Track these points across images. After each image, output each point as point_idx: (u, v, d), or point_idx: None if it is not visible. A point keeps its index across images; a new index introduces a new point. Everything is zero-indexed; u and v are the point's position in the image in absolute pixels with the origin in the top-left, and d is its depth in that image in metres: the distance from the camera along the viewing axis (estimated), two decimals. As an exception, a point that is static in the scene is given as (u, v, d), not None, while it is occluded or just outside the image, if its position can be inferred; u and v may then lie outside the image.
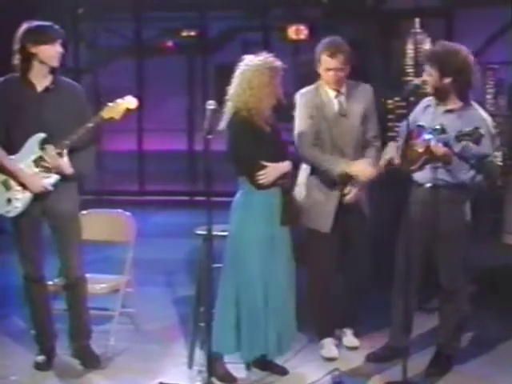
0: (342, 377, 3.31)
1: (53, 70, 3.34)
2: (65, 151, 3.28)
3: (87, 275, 3.51)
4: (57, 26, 3.35)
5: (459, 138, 3.14)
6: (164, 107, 8.57)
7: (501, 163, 3.38)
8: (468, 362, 3.51)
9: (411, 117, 3.36)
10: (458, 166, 3.24)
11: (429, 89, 3.34)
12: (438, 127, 3.23)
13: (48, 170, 3.31)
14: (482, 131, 3.10)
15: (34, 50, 3.27)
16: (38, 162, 3.30)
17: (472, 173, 3.26)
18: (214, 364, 3.19)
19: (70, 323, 3.49)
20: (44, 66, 3.31)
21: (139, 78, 8.43)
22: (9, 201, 3.31)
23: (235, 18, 8.53)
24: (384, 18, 6.96)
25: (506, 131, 5.56)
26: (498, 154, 4.69)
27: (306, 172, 3.62)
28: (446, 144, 3.20)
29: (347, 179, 3.49)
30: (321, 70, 3.53)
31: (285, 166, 3.25)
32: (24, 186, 3.31)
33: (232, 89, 3.23)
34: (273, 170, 3.21)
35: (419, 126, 3.32)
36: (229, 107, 3.24)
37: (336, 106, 3.57)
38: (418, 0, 6.66)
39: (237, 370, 3.39)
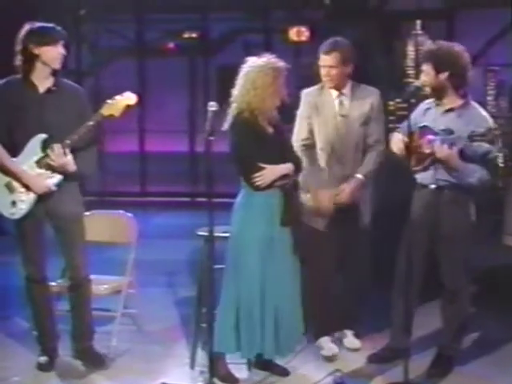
0: (343, 378, 3.31)
1: (54, 72, 3.34)
2: (67, 151, 3.29)
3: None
4: (59, 28, 3.36)
5: (473, 138, 3.15)
6: (166, 109, 8.58)
7: (502, 165, 3.40)
8: (469, 363, 3.52)
9: (411, 119, 3.36)
10: (466, 171, 3.25)
11: (427, 89, 3.34)
12: (444, 128, 3.25)
13: (51, 170, 3.32)
14: (496, 132, 3.14)
15: (36, 51, 3.27)
16: (40, 162, 3.31)
17: (479, 174, 3.26)
18: (215, 364, 3.20)
19: (73, 324, 3.49)
20: (46, 67, 3.31)
21: (141, 80, 8.44)
22: (13, 203, 3.32)
23: (236, 20, 8.54)
24: (385, 20, 6.97)
25: (507, 132, 5.57)
26: (500, 155, 4.70)
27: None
28: (452, 145, 3.20)
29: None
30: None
31: (284, 167, 3.25)
32: (28, 188, 3.31)
33: (236, 90, 3.24)
34: (270, 172, 3.21)
35: (423, 126, 3.32)
36: (232, 108, 3.25)
37: (336, 106, 3.59)
38: (419, 2, 6.66)
39: (238, 370, 3.40)
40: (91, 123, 3.29)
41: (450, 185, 3.31)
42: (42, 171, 3.31)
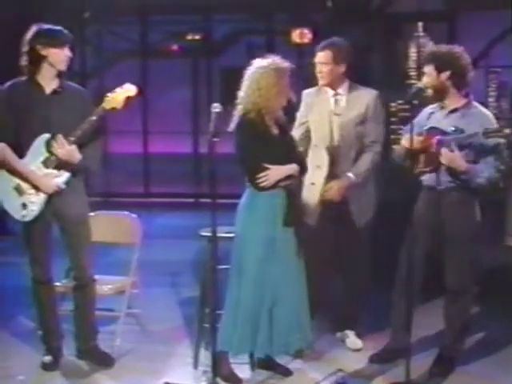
0: (345, 378, 3.32)
1: (60, 74, 3.37)
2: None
3: (93, 277, 3.53)
4: (66, 31, 3.38)
5: (488, 134, 3.18)
6: (169, 110, 8.61)
7: (503, 166, 3.42)
8: (471, 363, 3.53)
9: (415, 123, 3.37)
10: (473, 171, 3.27)
11: (429, 91, 3.36)
12: (454, 128, 3.27)
13: (58, 168, 3.33)
14: (508, 131, 3.18)
15: (44, 52, 3.30)
16: (46, 162, 3.33)
17: (487, 174, 3.27)
18: (219, 364, 3.22)
19: (78, 324, 3.51)
20: (52, 68, 3.34)
21: (145, 81, 8.46)
22: (24, 205, 3.32)
23: (240, 22, 8.56)
24: (387, 22, 6.99)
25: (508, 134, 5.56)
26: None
27: None
28: (461, 145, 3.23)
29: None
30: None
31: (289, 168, 3.26)
32: (37, 189, 3.33)
33: (241, 91, 3.27)
34: (274, 173, 3.22)
35: (431, 128, 3.34)
36: (238, 109, 3.28)
37: (332, 105, 3.62)
38: (421, 4, 6.67)
39: (241, 370, 3.41)
40: (94, 118, 3.30)
41: (456, 186, 3.33)
42: (50, 171, 3.33)
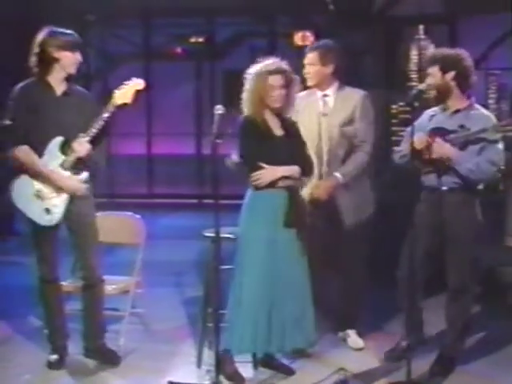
0: (347, 377, 3.33)
1: (69, 77, 3.40)
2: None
3: (99, 277, 3.55)
4: (77, 35, 3.42)
5: (497, 128, 3.25)
6: (173, 112, 8.65)
7: (503, 167, 3.44)
8: (471, 362, 3.54)
9: (416, 125, 3.39)
10: (461, 157, 3.31)
11: (432, 92, 3.40)
12: (459, 126, 3.32)
13: (75, 170, 3.36)
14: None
15: (56, 55, 3.33)
16: (63, 165, 3.36)
17: (476, 160, 3.31)
18: (223, 362, 3.25)
19: (86, 324, 3.53)
20: (63, 71, 3.37)
21: (148, 83, 8.50)
22: (47, 210, 3.34)
23: (242, 25, 8.60)
24: (389, 25, 7.03)
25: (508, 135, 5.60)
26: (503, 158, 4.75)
27: None
28: (468, 142, 3.29)
29: None
30: None
31: (285, 169, 3.27)
32: (59, 190, 3.33)
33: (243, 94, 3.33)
34: (269, 172, 3.24)
35: (438, 128, 3.37)
36: (241, 111, 3.33)
37: (320, 106, 3.67)
38: (422, 7, 6.70)
39: (244, 368, 3.43)
40: (106, 115, 3.35)
41: (458, 186, 3.37)
42: (68, 173, 3.37)
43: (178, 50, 8.86)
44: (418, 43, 6.88)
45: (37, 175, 3.35)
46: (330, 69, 3.64)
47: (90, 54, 8.37)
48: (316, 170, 3.58)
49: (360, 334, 3.82)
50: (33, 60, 3.37)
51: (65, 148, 3.36)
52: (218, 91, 8.39)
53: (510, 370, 3.49)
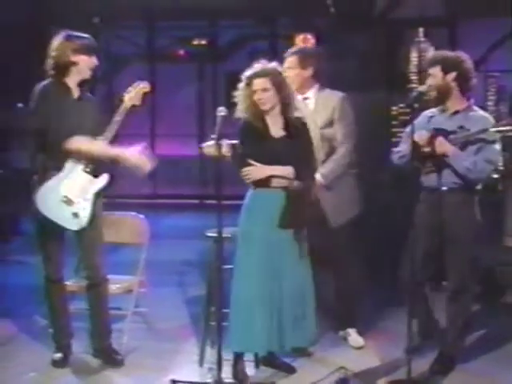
0: (347, 375, 3.34)
1: (82, 82, 3.45)
2: None
3: (102, 276, 3.58)
4: (92, 38, 3.46)
5: (496, 128, 3.28)
6: (176, 113, 8.69)
7: (502, 167, 3.46)
8: (472, 361, 3.56)
9: (414, 126, 3.41)
10: (459, 155, 3.34)
11: (433, 93, 3.42)
12: (458, 127, 3.35)
13: (96, 173, 3.42)
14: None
15: (74, 58, 3.36)
16: (87, 168, 3.41)
17: (473, 158, 3.34)
18: (235, 361, 3.32)
19: (92, 323, 3.55)
20: (79, 75, 3.41)
21: (152, 85, 8.54)
22: (75, 215, 3.38)
23: (244, 27, 8.64)
24: (390, 28, 7.06)
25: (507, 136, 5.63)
26: (500, 158, 4.79)
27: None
28: (468, 142, 3.31)
29: None
30: None
31: (275, 168, 3.26)
32: (84, 191, 3.36)
33: None
34: (257, 170, 3.25)
35: (437, 129, 3.39)
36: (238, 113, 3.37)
37: (302, 110, 3.67)
38: (422, 10, 6.73)
39: (246, 367, 3.43)
40: (119, 118, 3.40)
41: (457, 187, 3.40)
42: (90, 177, 3.42)
43: (181, 52, 8.90)
44: (417, 46, 6.90)
45: (107, 157, 3.37)
46: (309, 72, 3.68)
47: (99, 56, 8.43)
48: None
49: (360, 333, 3.84)
50: (49, 63, 3.39)
51: None
52: (221, 93, 8.42)
53: (510, 368, 3.51)
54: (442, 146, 3.34)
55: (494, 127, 3.31)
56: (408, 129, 3.60)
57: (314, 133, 3.63)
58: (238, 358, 3.38)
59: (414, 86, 6.44)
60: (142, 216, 3.93)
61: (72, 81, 3.42)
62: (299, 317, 3.31)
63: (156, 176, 8.83)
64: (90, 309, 3.55)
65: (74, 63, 3.38)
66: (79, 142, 3.35)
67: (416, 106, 3.38)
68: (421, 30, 6.97)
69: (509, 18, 6.43)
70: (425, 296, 3.52)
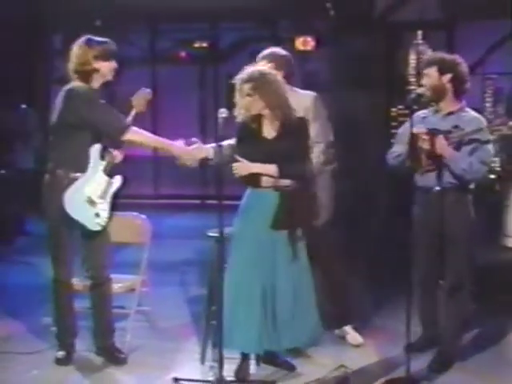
0: (347, 373, 3.36)
1: (105, 84, 3.51)
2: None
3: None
4: (112, 42, 3.50)
5: (491, 128, 3.36)
6: (177, 115, 8.73)
7: (499, 168, 3.50)
8: (469, 359, 3.58)
9: (407, 127, 3.44)
10: (456, 156, 3.37)
11: (427, 92, 3.45)
12: (452, 127, 3.38)
13: (111, 174, 3.49)
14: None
15: (96, 65, 3.42)
16: (105, 170, 3.49)
17: (469, 160, 3.38)
18: (242, 363, 3.36)
19: (95, 322, 3.58)
20: (101, 79, 3.48)
21: (153, 87, 8.57)
22: (97, 215, 3.44)
23: (246, 30, 8.68)
24: (389, 30, 7.11)
25: (504, 137, 5.68)
26: (496, 159, 4.83)
27: None
28: (462, 142, 3.35)
29: None
30: None
31: (260, 166, 3.26)
32: (105, 192, 3.46)
33: None
34: (243, 166, 3.27)
35: (432, 129, 3.41)
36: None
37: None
38: (420, 13, 6.77)
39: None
40: (130, 122, 3.49)
41: (451, 186, 3.43)
42: (108, 178, 3.49)
43: (183, 54, 8.94)
44: (416, 48, 6.94)
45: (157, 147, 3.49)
46: (280, 74, 3.66)
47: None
48: None
49: (359, 332, 3.84)
50: (71, 68, 3.43)
51: (103, 154, 3.47)
52: (222, 95, 8.45)
53: (508, 366, 3.54)
54: (442, 146, 3.38)
55: (490, 126, 3.35)
56: (401, 130, 3.66)
57: None
58: (246, 357, 3.40)
59: (412, 87, 6.49)
60: (143, 216, 3.96)
61: (96, 84, 3.48)
62: (297, 316, 3.31)
63: (158, 176, 8.89)
64: (94, 308, 3.58)
65: (96, 70, 3.43)
66: (136, 132, 3.47)
67: (415, 107, 3.42)
68: (419, 32, 7.01)
69: (506, 19, 6.48)
70: (435, 297, 3.54)
